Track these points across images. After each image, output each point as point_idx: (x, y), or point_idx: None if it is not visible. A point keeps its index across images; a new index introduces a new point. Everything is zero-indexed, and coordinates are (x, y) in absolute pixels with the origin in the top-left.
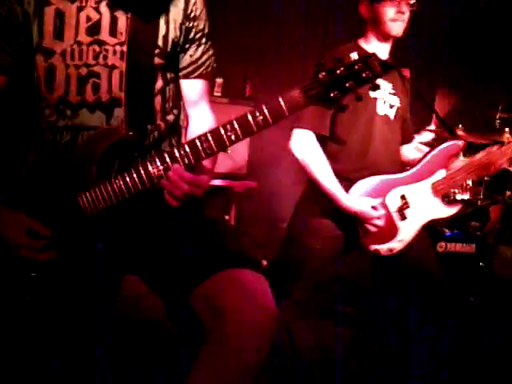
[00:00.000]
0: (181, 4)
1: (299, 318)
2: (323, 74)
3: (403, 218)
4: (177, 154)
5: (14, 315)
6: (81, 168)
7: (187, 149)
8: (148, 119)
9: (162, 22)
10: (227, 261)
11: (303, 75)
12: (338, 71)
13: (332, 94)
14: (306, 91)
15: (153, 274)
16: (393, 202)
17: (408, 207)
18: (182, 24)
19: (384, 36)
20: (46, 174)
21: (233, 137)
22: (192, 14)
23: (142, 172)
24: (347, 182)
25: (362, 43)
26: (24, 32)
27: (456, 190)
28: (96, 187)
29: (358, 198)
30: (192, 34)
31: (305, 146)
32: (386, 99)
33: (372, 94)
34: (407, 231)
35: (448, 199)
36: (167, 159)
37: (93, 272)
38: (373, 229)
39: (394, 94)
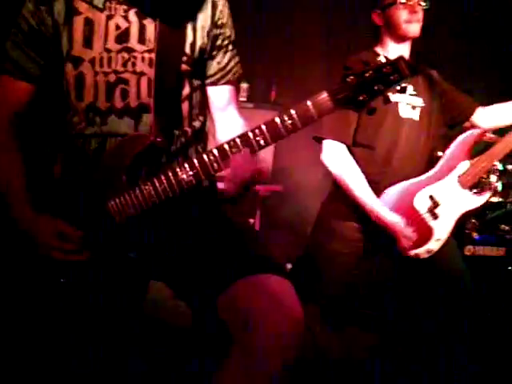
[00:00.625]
0: (208, 11)
1: (323, 322)
2: (351, 77)
3: (435, 217)
4: (206, 159)
5: (43, 321)
6: (110, 175)
7: (216, 153)
8: (175, 125)
9: (189, 29)
10: (254, 266)
11: (327, 79)
12: (367, 74)
13: (361, 98)
14: (335, 95)
15: (179, 279)
16: (422, 204)
17: (438, 206)
18: (209, 31)
19: (401, 39)
20: (77, 181)
21: (262, 141)
22: (219, 22)
23: (172, 177)
24: (372, 185)
25: (379, 49)
26: (54, 41)
27: (484, 177)
28: (125, 193)
29: (391, 214)
30: (219, 41)
31: (337, 159)
32: (407, 102)
33: (393, 98)
34: (442, 229)
35: (476, 188)
36: (196, 164)
37: (121, 277)
38: (406, 241)
39: (416, 95)
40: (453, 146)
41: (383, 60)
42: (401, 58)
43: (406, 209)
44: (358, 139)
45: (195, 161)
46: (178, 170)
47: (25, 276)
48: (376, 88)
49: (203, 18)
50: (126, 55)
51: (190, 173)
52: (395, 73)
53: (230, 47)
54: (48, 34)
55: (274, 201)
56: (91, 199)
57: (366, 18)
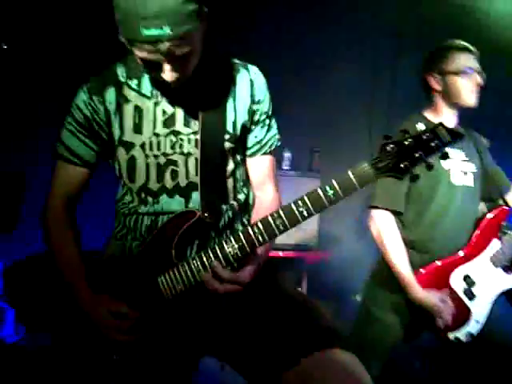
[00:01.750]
0: (247, 90)
1: None
2: (391, 146)
3: (472, 297)
4: (251, 232)
5: None
6: (160, 251)
7: (260, 226)
8: (222, 200)
9: (230, 108)
10: (320, 340)
11: (370, 145)
12: (406, 142)
13: (402, 165)
14: (375, 164)
15: (238, 355)
16: (458, 284)
17: (474, 285)
18: (248, 108)
19: (458, 107)
20: (129, 259)
21: (305, 212)
22: (257, 98)
23: (218, 251)
24: (417, 253)
25: (429, 115)
26: (106, 129)
27: None
28: (175, 269)
29: (425, 293)
30: (257, 117)
31: (383, 228)
32: (459, 168)
33: (445, 165)
34: (480, 310)
35: (507, 267)
36: (242, 237)
37: (172, 352)
38: (442, 324)
39: (469, 161)
40: (483, 223)
41: (423, 127)
42: (440, 124)
43: (443, 288)
44: (408, 206)
45: (240, 234)
46: (223, 243)
47: (80, 351)
48: (417, 155)
49: (242, 97)
50: (173, 138)
51: (236, 246)
52: (435, 139)
53: (267, 121)
54: (101, 122)
55: (321, 268)
56: (142, 276)
57: (403, 90)
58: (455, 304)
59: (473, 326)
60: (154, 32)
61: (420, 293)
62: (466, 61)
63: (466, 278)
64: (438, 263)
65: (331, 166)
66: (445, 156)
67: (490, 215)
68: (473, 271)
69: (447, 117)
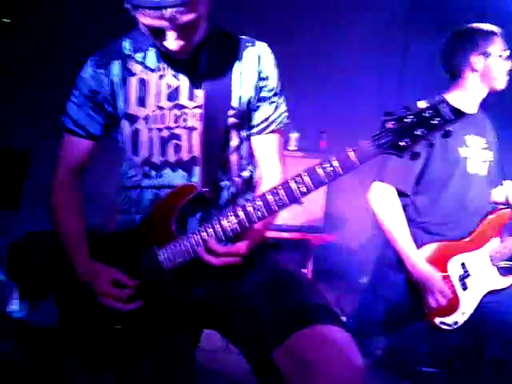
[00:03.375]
0: (253, 65)
1: (378, 377)
2: (392, 123)
3: (465, 288)
4: (249, 208)
5: (101, 368)
6: (161, 224)
7: (259, 202)
8: (224, 176)
9: (235, 83)
10: (312, 316)
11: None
12: (407, 119)
13: (402, 143)
14: (376, 140)
15: (233, 329)
16: (454, 271)
17: (468, 276)
18: (255, 84)
19: (491, 88)
20: (130, 232)
21: (303, 188)
22: (264, 75)
23: (217, 226)
24: (428, 235)
25: (452, 97)
26: (111, 101)
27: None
28: (174, 242)
29: (427, 265)
30: (264, 93)
31: (383, 199)
32: (478, 157)
33: (462, 153)
34: (468, 303)
35: (502, 269)
36: (240, 213)
37: (174, 324)
38: (434, 303)
39: (487, 149)
40: (487, 219)
41: (425, 104)
42: (442, 101)
43: (439, 270)
44: (421, 189)
45: (239, 209)
46: (223, 218)
47: (82, 320)
48: (418, 133)
49: (249, 72)
50: (177, 112)
51: (234, 221)
52: (437, 116)
53: (275, 98)
54: (106, 94)
55: (327, 250)
56: (143, 248)
57: (413, 70)
58: (449, 291)
59: (459, 317)
60: None
61: (420, 264)
62: (503, 44)
63: (463, 267)
64: (441, 244)
65: (339, 146)
66: (447, 134)
67: (494, 214)
68: (470, 263)
69: (475, 99)
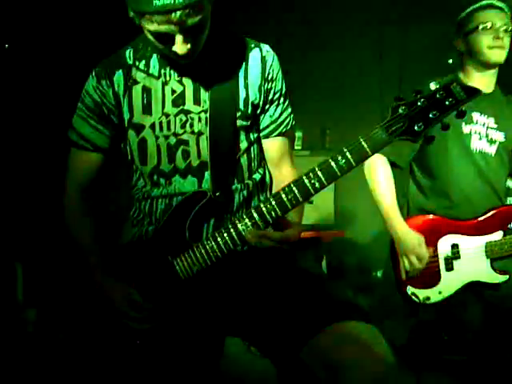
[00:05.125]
0: (258, 67)
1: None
2: (403, 107)
3: (449, 268)
4: (263, 209)
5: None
6: (174, 233)
7: (273, 202)
8: (235, 179)
9: (241, 86)
10: (339, 313)
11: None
12: (419, 102)
13: (416, 127)
14: (388, 128)
15: (257, 334)
16: (444, 247)
17: (457, 258)
18: (260, 86)
19: (484, 66)
20: (144, 244)
21: (317, 184)
22: (269, 76)
23: (232, 230)
24: (446, 221)
25: (462, 76)
26: (116, 112)
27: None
28: (190, 250)
29: (410, 230)
30: (271, 95)
31: (375, 168)
32: (483, 134)
33: (465, 129)
34: (449, 285)
35: (497, 265)
36: (254, 215)
37: (195, 335)
38: (408, 265)
39: (498, 129)
40: (499, 209)
41: (436, 86)
42: (454, 81)
43: (428, 244)
44: (426, 167)
45: (253, 211)
46: (237, 221)
47: (104, 334)
48: (431, 116)
49: (254, 74)
50: (183, 117)
51: (249, 223)
52: (449, 97)
53: (282, 100)
54: (111, 105)
55: (339, 246)
56: (158, 259)
57: (413, 65)
58: (431, 266)
59: (434, 294)
60: (165, 1)
61: (401, 226)
62: (484, 17)
63: (454, 248)
64: (438, 218)
65: (344, 143)
66: (461, 114)
67: (504, 207)
68: (464, 246)
69: (478, 79)
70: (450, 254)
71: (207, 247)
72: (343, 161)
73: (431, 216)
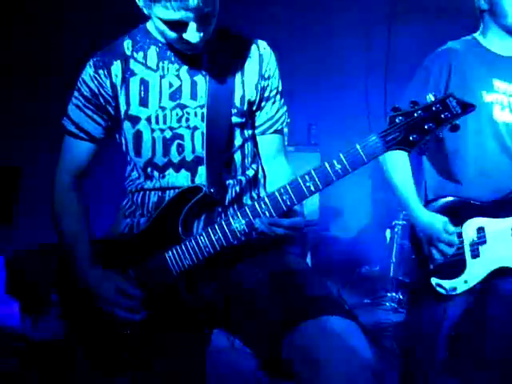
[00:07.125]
0: (255, 65)
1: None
2: (400, 118)
3: (475, 255)
4: (258, 208)
5: (113, 372)
6: (167, 227)
7: (267, 201)
8: (229, 175)
9: (238, 82)
10: (314, 307)
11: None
12: (415, 114)
13: (411, 138)
14: (384, 137)
15: (242, 327)
16: (469, 232)
17: (484, 243)
18: (257, 84)
19: (506, 30)
20: (136, 235)
21: (312, 187)
22: (266, 74)
23: (225, 227)
24: (469, 203)
25: (482, 40)
26: (113, 102)
27: None
28: (182, 245)
29: (433, 213)
30: (267, 93)
31: (390, 154)
32: (506, 103)
33: (487, 98)
34: (475, 273)
35: None
36: (248, 213)
37: (182, 326)
38: (438, 254)
39: None
40: None
41: (432, 98)
42: (450, 95)
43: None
44: (436, 144)
45: (247, 209)
46: (231, 219)
47: (91, 328)
48: (426, 127)
49: (251, 72)
50: (179, 111)
51: (243, 221)
52: (445, 111)
53: (278, 97)
54: (107, 96)
55: (324, 243)
56: (150, 252)
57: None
58: (455, 253)
59: (459, 284)
60: None
61: (424, 212)
62: None
63: (480, 232)
64: (459, 200)
65: (329, 139)
66: (455, 128)
67: None
68: (490, 229)
69: (498, 43)
70: (475, 239)
71: (200, 242)
72: (339, 166)
73: (451, 198)
